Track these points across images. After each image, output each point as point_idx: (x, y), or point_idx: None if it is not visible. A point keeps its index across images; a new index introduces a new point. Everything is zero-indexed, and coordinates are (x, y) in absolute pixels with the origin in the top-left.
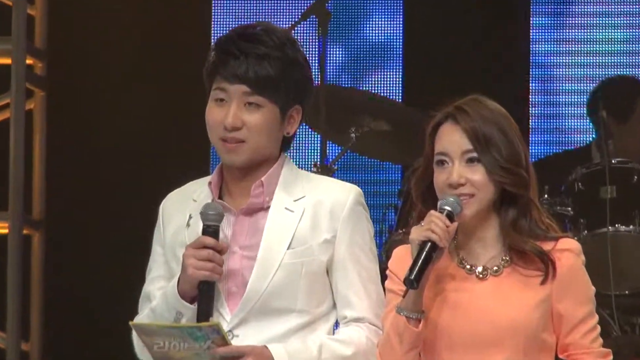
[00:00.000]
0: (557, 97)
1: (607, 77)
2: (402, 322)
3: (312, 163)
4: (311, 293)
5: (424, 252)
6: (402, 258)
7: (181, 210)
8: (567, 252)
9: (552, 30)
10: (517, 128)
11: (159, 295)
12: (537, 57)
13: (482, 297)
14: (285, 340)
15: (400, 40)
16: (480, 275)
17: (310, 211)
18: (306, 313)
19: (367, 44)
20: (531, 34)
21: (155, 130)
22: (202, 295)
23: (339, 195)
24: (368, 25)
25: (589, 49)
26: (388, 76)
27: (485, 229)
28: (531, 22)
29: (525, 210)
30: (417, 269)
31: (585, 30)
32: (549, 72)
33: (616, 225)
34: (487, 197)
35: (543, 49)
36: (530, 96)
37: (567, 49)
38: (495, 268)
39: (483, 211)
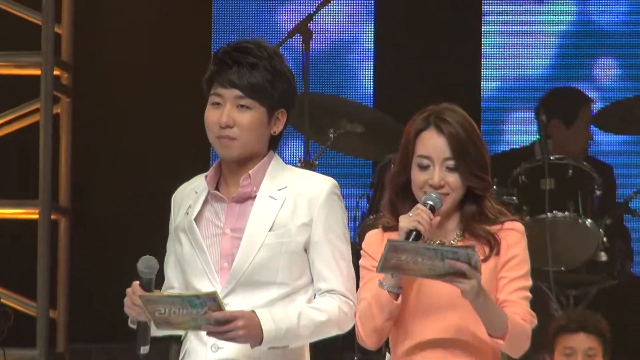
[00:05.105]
0: (506, 103)
1: (554, 88)
2: (384, 296)
3: (297, 159)
4: (290, 268)
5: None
6: (373, 239)
7: (186, 201)
8: (513, 231)
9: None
10: (480, 136)
11: None
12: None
13: None
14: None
15: (372, 57)
16: None
17: (292, 199)
18: (285, 285)
19: (344, 58)
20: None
21: (164, 132)
22: (138, 326)
23: (316, 186)
24: (344, 44)
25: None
26: (361, 85)
27: (447, 220)
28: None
29: (483, 204)
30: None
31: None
32: (501, 79)
33: (554, 212)
34: (458, 196)
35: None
36: (482, 103)
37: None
38: (451, 242)
39: (451, 207)
